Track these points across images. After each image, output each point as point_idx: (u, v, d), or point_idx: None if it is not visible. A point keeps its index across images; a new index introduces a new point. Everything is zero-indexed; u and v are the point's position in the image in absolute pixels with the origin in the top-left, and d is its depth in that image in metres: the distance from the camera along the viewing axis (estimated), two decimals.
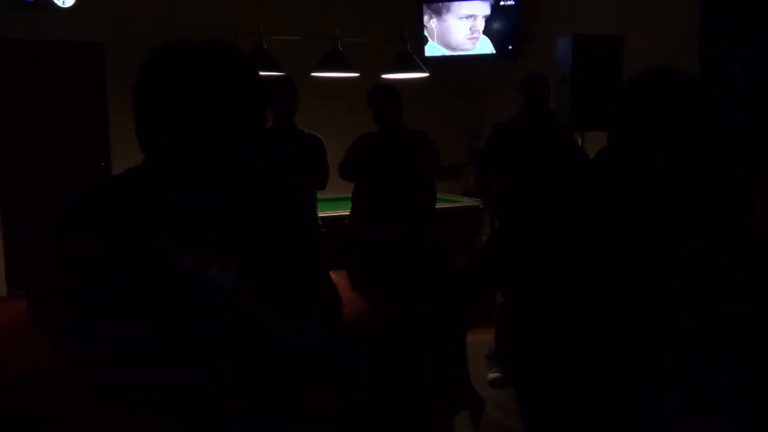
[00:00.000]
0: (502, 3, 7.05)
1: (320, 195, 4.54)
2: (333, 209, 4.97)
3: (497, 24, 7.12)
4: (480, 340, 4.29)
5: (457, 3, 7.20)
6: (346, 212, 4.57)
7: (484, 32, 7.17)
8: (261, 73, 4.77)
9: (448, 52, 7.33)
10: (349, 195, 4.49)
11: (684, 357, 1.59)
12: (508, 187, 4.11)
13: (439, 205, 4.66)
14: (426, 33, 7.32)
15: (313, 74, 5.41)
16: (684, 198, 1.61)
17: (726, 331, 1.55)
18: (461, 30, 7.25)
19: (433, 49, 7.32)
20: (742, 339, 1.55)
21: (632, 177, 1.61)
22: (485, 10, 7.11)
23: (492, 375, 4.34)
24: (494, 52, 7.15)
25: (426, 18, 7.33)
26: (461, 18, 7.23)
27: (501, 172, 4.17)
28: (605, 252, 1.61)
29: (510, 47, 7.10)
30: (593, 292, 1.62)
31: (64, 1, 6.33)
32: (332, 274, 3.88)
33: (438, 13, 7.31)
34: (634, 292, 1.58)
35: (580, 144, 4.65)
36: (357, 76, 5.57)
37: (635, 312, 1.59)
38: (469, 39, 7.26)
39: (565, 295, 1.66)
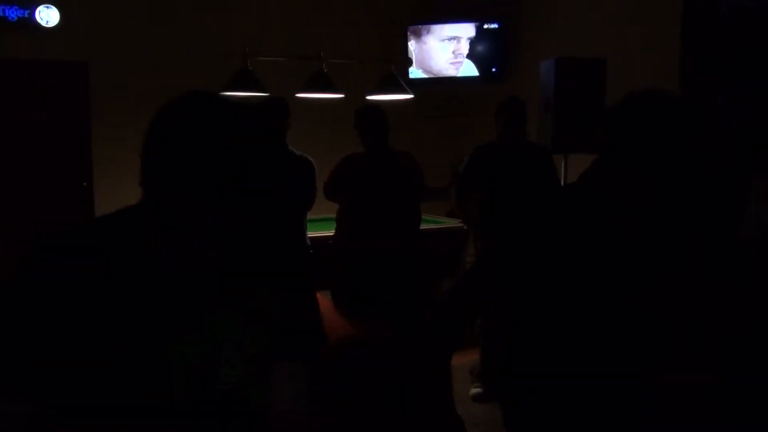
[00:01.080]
0: (486, 26, 7.10)
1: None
2: (316, 230, 4.95)
3: (481, 47, 7.16)
4: (462, 362, 4.29)
5: (439, 26, 7.25)
6: (330, 233, 4.55)
7: (467, 56, 7.21)
8: (247, 94, 4.73)
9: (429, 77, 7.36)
10: (332, 215, 4.48)
11: (674, 374, 1.60)
12: (489, 209, 4.13)
13: (423, 226, 4.66)
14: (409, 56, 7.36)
15: (297, 95, 5.41)
16: (670, 219, 1.62)
17: (716, 347, 1.56)
18: (443, 54, 7.27)
19: (415, 72, 7.36)
20: (732, 353, 1.56)
21: (616, 199, 1.62)
22: (470, 32, 7.15)
23: (474, 390, 4.35)
24: (478, 74, 7.20)
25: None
26: (443, 40, 7.25)
27: (482, 194, 4.19)
28: (593, 273, 1.61)
29: (494, 70, 7.15)
30: (582, 313, 1.62)
31: (47, 21, 6.32)
32: (318, 295, 3.86)
33: (417, 35, 7.32)
34: (622, 311, 1.58)
35: (563, 166, 4.68)
36: (342, 97, 5.59)
37: (624, 331, 1.58)
38: (452, 63, 7.26)
39: (554, 315, 1.66)
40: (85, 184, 6.66)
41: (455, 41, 7.21)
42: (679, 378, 1.60)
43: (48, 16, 6.32)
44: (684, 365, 1.59)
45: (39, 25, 6.30)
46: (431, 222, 5.51)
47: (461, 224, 5.22)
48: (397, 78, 5.55)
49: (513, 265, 1.71)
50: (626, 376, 1.60)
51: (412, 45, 7.34)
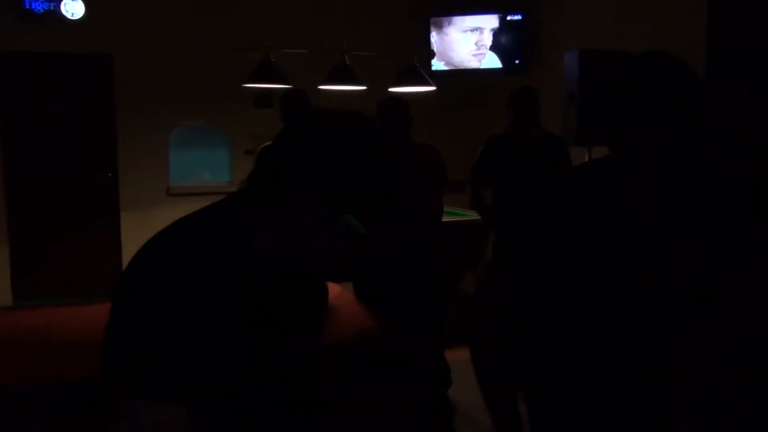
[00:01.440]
0: (509, 18, 7.06)
1: None
2: None
3: (504, 38, 7.11)
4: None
5: (461, 17, 7.21)
6: None
7: (490, 47, 7.16)
8: (268, 86, 4.71)
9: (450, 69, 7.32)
10: None
11: (674, 373, 1.60)
12: (500, 203, 4.12)
13: (446, 218, 4.65)
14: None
15: (320, 87, 5.42)
16: (679, 192, 1.62)
17: (728, 332, 1.56)
18: (465, 46, 7.23)
19: (437, 64, 7.33)
20: (745, 338, 1.56)
21: (629, 159, 1.63)
22: (493, 23, 7.10)
23: None
24: (501, 66, 7.16)
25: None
26: (466, 32, 7.21)
27: (495, 186, 4.18)
28: (602, 253, 1.62)
29: (517, 62, 7.11)
30: (593, 293, 1.63)
31: (73, 13, 6.38)
32: (339, 287, 3.90)
33: (439, 27, 7.29)
34: (632, 292, 1.59)
35: (587, 159, 4.64)
36: (364, 90, 5.59)
37: (634, 312, 1.59)
38: (475, 55, 7.22)
39: (566, 297, 1.67)
40: (110, 174, 6.73)
41: (478, 32, 7.17)
42: (680, 378, 1.60)
43: (73, 9, 6.38)
44: (691, 354, 1.59)
45: (64, 17, 6.36)
46: (453, 215, 5.49)
47: None
48: (420, 70, 5.53)
49: (526, 251, 1.74)
50: (636, 362, 1.61)
51: (434, 37, 7.31)
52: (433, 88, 5.59)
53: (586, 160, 4.64)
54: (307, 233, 1.19)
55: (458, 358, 4.53)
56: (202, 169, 7.46)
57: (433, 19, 7.27)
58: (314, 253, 1.22)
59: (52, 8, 6.34)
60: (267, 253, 1.19)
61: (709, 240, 1.62)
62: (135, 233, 6.69)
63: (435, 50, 7.31)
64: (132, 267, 1.16)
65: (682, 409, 1.61)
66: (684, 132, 1.63)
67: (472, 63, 7.24)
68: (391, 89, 5.40)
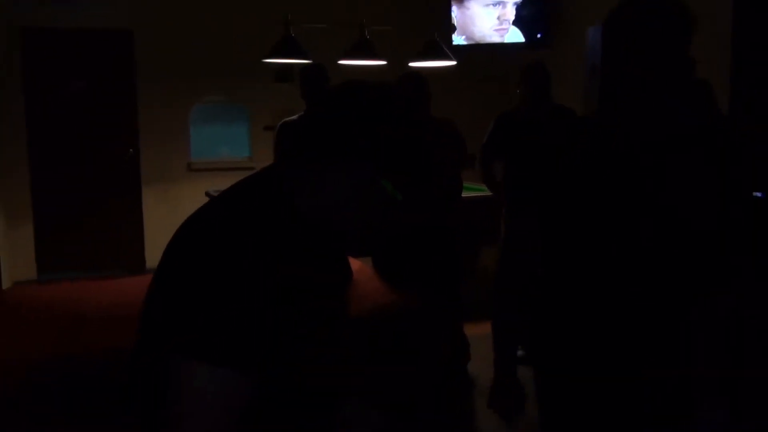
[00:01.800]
0: None
1: None
2: None
3: (526, 12, 7.01)
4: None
5: None
6: None
7: (513, 22, 7.06)
8: (289, 61, 4.68)
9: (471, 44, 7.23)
10: None
11: (679, 370, 1.59)
12: (513, 177, 4.11)
13: (466, 194, 4.64)
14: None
15: (340, 62, 5.40)
16: (678, 140, 1.61)
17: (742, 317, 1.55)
18: (487, 20, 7.14)
19: (458, 38, 7.25)
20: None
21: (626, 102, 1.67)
22: None
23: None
24: (523, 40, 7.06)
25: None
26: (487, 6, 7.11)
27: (506, 160, 4.17)
28: (609, 209, 1.62)
29: (539, 36, 7.01)
30: (604, 251, 1.63)
31: None
32: (359, 262, 3.89)
33: (459, 1, 7.18)
34: (637, 246, 1.58)
35: None
36: (384, 65, 5.56)
37: (643, 265, 1.58)
38: (497, 30, 7.13)
39: (584, 273, 1.67)
40: (131, 150, 6.77)
41: (500, 6, 7.07)
42: (692, 372, 1.59)
43: None
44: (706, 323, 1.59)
45: None
46: (473, 190, 5.48)
47: None
48: (440, 45, 5.49)
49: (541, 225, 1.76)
50: (642, 353, 1.60)
51: (454, 11, 7.23)
52: (453, 63, 5.55)
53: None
54: (343, 201, 1.19)
55: (477, 333, 4.54)
56: (223, 145, 7.48)
57: None
58: (352, 220, 1.22)
59: None
60: (305, 224, 1.19)
61: (707, 187, 1.59)
62: (156, 208, 6.74)
63: (456, 25, 7.23)
64: (173, 241, 1.18)
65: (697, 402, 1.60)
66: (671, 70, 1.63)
67: (495, 38, 7.14)
68: (411, 64, 5.37)
